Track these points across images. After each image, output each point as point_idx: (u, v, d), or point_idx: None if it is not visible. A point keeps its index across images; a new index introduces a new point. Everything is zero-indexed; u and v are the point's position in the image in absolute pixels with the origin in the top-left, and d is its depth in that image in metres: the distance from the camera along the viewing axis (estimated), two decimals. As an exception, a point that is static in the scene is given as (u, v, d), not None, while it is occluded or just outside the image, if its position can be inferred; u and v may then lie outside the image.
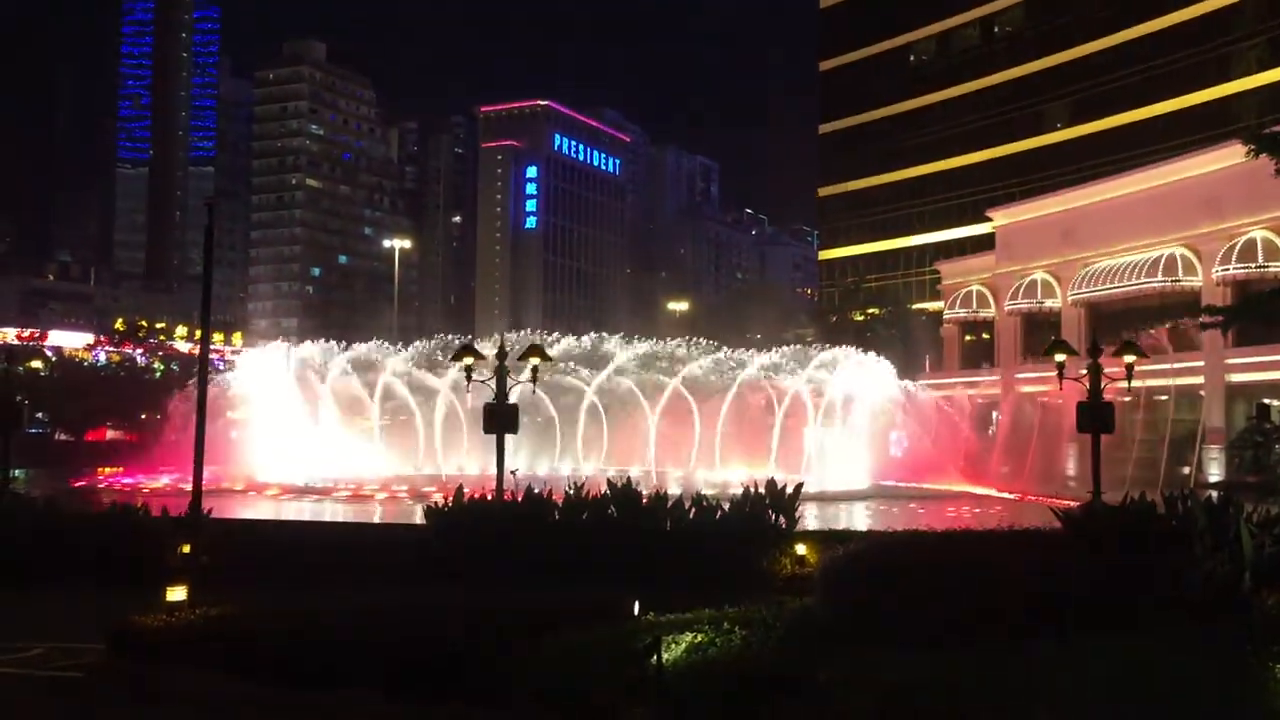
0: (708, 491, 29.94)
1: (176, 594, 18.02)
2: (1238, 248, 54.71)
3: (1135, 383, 33.38)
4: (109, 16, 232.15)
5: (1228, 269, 54.83)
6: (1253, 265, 53.97)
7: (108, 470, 65.09)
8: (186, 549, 21.96)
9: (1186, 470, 54.01)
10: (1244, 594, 12.55)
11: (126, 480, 57.21)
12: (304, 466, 60.04)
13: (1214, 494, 19.49)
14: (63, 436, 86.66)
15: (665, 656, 12.78)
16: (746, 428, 67.89)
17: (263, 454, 64.08)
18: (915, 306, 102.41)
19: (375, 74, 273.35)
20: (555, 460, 69.20)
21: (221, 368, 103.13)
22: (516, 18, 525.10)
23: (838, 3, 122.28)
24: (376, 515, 42.88)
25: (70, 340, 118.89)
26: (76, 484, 53.64)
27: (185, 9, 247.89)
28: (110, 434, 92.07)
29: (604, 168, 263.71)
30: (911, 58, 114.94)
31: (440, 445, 64.47)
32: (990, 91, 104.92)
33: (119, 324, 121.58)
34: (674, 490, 32.05)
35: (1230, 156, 49.55)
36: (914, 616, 12.53)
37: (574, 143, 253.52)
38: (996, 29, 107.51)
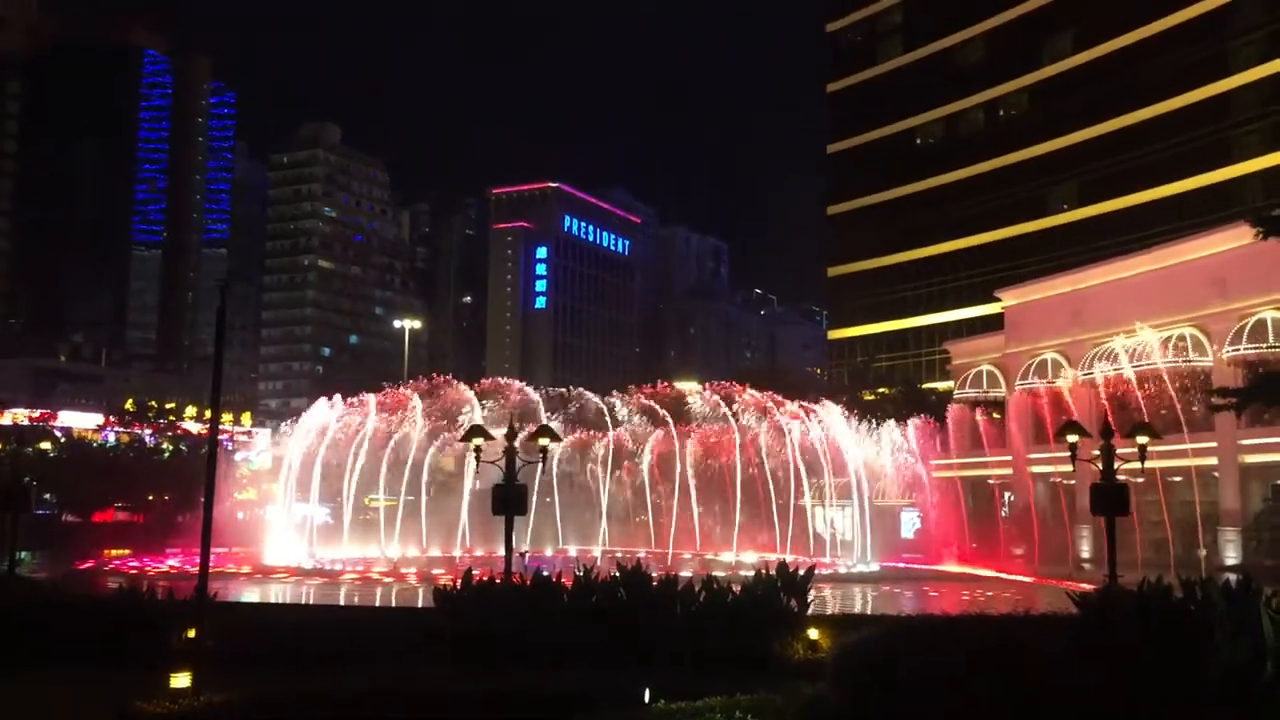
0: (718, 574, 29.66)
1: (180, 680, 17.76)
2: (1248, 328, 54.66)
3: (1148, 464, 33.07)
4: (127, 101, 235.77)
5: (1238, 349, 54.71)
6: (1264, 345, 53.83)
7: (114, 552, 64.73)
8: (192, 633, 21.73)
9: (1201, 552, 53.37)
10: (1266, 683, 12.26)
11: (133, 563, 56.85)
12: (311, 548, 59.74)
13: (1232, 577, 19.21)
14: (70, 518, 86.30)
15: (676, 745, 12.56)
16: (758, 508, 67.53)
17: (270, 536, 63.84)
18: (925, 386, 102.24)
19: (387, 155, 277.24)
20: (560, 540, 68.82)
21: (231, 448, 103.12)
22: (528, 100, 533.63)
23: (845, 87, 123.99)
24: (385, 598, 42.51)
25: (80, 421, 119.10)
26: (82, 566, 53.31)
27: (202, 94, 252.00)
28: (118, 515, 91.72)
29: (613, 248, 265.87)
30: (918, 140, 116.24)
31: (460, 525, 64.15)
32: (997, 173, 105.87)
33: (129, 404, 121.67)
34: (684, 573, 31.79)
35: (1238, 237, 49.77)
36: (929, 708, 12.29)
37: (584, 224, 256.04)
38: (1002, 112, 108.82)
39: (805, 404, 66.17)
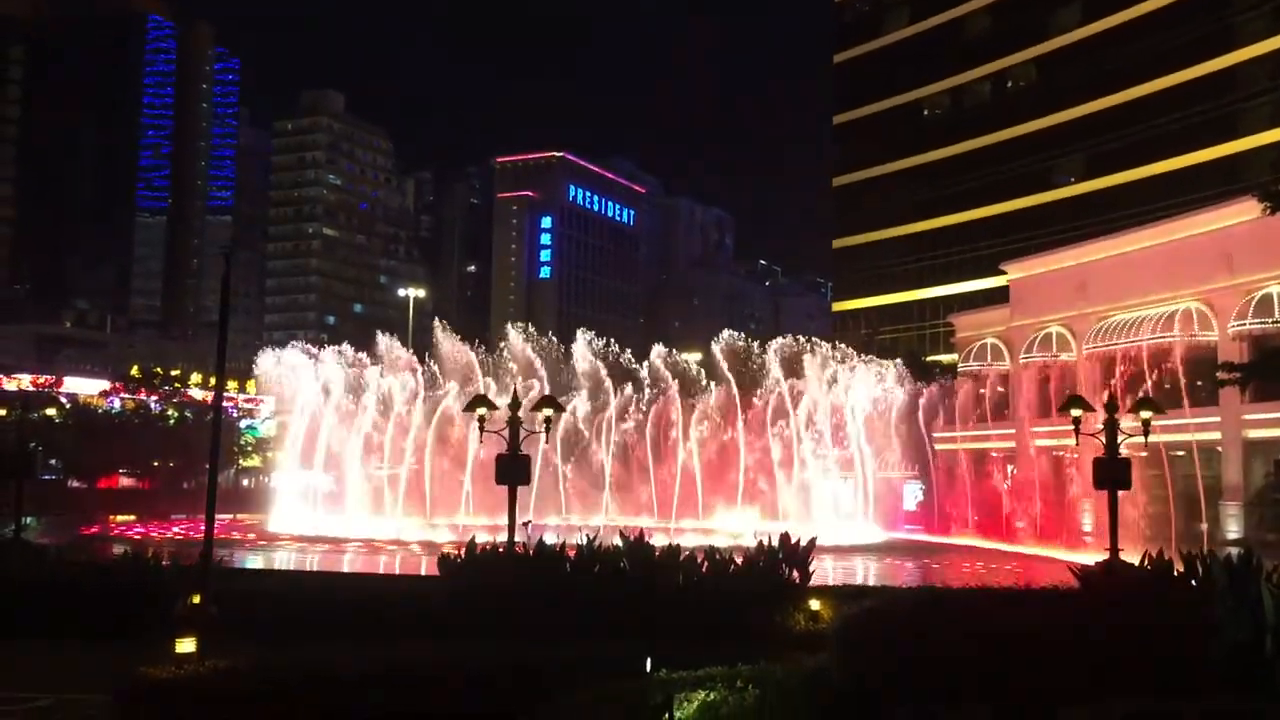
0: (720, 543, 29.79)
1: (185, 645, 17.86)
2: (1254, 302, 54.46)
3: (1152, 438, 33.08)
4: (130, 67, 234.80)
5: (1244, 324, 54.53)
6: (1269, 320, 53.64)
7: (119, 518, 65.04)
8: (196, 599, 21.84)
9: (1203, 527, 53.46)
10: (1266, 659, 12.27)
11: (138, 529, 57.13)
12: (316, 515, 60.02)
13: (1233, 552, 19.23)
14: (75, 484, 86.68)
15: (678, 714, 12.65)
16: (761, 476, 67.72)
17: (276, 503, 64.14)
18: (929, 359, 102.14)
19: (391, 124, 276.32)
20: (563, 510, 69.03)
21: (235, 415, 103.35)
22: (534, 70, 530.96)
23: (851, 57, 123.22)
24: (388, 566, 42.71)
25: (85, 387, 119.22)
26: (87, 532, 53.56)
27: (206, 61, 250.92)
28: (123, 481, 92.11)
29: (618, 218, 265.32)
30: (925, 112, 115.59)
31: (464, 494, 64.41)
32: (1003, 146, 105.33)
33: (134, 371, 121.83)
34: (687, 543, 31.88)
35: (1244, 212, 49.50)
36: (930, 679, 12.35)
37: (588, 193, 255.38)
38: (1009, 84, 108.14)
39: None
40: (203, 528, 24.98)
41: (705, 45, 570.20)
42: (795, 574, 25.28)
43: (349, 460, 64.68)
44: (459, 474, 64.35)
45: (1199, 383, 55.93)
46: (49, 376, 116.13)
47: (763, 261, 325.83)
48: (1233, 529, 53.29)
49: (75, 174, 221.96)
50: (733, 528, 58.96)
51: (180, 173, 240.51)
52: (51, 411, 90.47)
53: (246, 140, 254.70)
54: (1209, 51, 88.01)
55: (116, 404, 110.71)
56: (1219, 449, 56.57)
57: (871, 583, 34.39)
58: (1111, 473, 29.07)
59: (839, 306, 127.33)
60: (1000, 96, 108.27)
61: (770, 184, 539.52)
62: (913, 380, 74.09)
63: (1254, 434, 55.09)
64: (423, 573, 34.79)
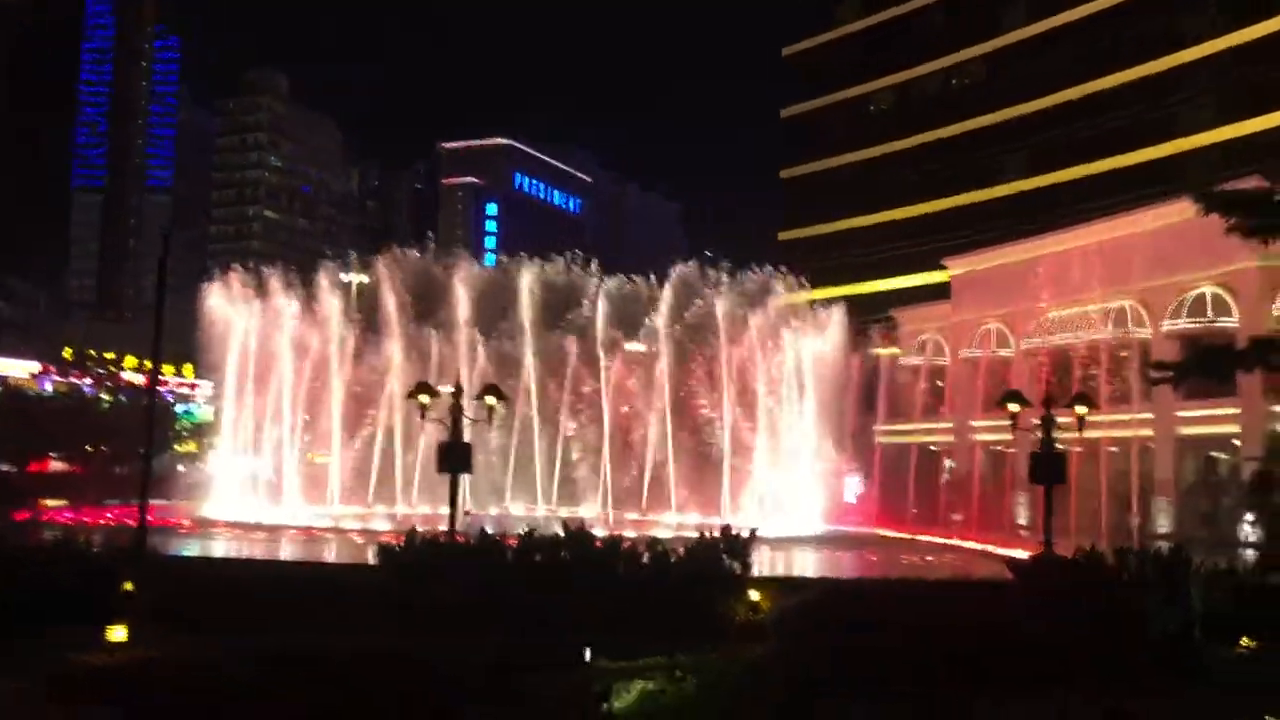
0: (662, 534, 29.88)
1: (117, 633, 17.63)
2: (1188, 302, 55.51)
3: (1087, 433, 33.62)
4: (68, 43, 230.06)
5: (1177, 323, 55.59)
6: (1202, 320, 54.71)
7: (50, 503, 63.72)
8: (129, 586, 21.52)
9: (1135, 521, 54.42)
10: (1194, 648, 12.56)
11: (70, 514, 56.03)
12: (254, 503, 59.30)
13: (1164, 546, 19.61)
14: (4, 467, 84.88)
15: (617, 705, 12.66)
16: (702, 467, 67.87)
17: (213, 489, 63.24)
18: (873, 351, 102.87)
19: (338, 108, 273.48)
20: (508, 499, 68.73)
21: (171, 400, 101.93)
22: (486, 59, 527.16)
23: (800, 50, 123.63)
24: (327, 554, 42.29)
25: (15, 368, 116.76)
26: (18, 517, 52.42)
27: (146, 38, 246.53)
28: (55, 465, 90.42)
29: (565, 207, 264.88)
30: (871, 107, 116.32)
31: (399, 483, 63.84)
32: (948, 142, 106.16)
33: (67, 353, 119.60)
34: (628, 533, 31.95)
35: (1181, 212, 50.19)
36: (864, 669, 12.46)
37: (535, 181, 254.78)
38: (954, 81, 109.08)
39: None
40: (136, 514, 24.59)
41: (665, 36, 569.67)
42: (736, 565, 25.38)
43: (287, 444, 63.93)
44: (403, 459, 63.77)
45: (1132, 380, 56.88)
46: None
47: (709, 253, 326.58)
48: (1163, 524, 54.34)
49: (8, 151, 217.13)
50: (674, 519, 59.13)
51: (118, 151, 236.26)
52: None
53: (188, 119, 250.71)
54: (1151, 53, 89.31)
55: (49, 387, 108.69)
56: (1152, 445, 57.60)
57: (810, 574, 34.65)
58: (1046, 467, 29.51)
59: (784, 299, 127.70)
60: (946, 92, 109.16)
61: (722, 177, 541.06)
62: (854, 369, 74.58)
63: (1186, 431, 56.16)
64: (366, 561, 34.46)
